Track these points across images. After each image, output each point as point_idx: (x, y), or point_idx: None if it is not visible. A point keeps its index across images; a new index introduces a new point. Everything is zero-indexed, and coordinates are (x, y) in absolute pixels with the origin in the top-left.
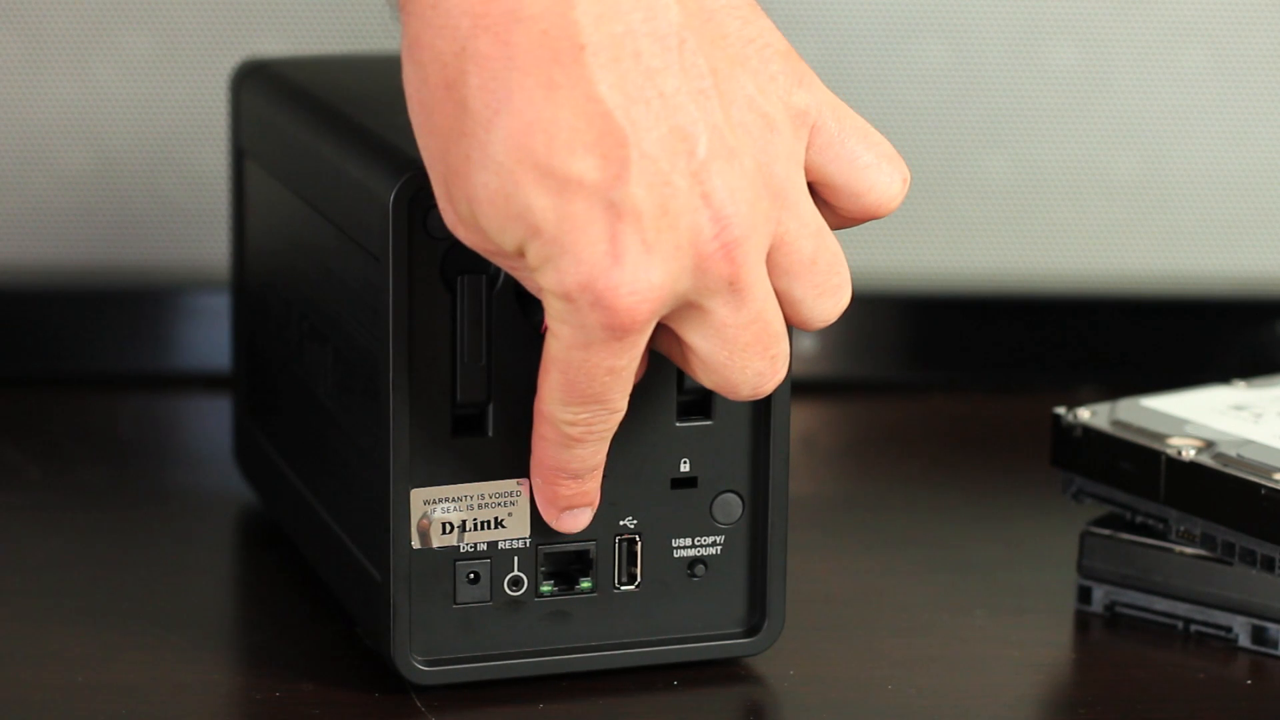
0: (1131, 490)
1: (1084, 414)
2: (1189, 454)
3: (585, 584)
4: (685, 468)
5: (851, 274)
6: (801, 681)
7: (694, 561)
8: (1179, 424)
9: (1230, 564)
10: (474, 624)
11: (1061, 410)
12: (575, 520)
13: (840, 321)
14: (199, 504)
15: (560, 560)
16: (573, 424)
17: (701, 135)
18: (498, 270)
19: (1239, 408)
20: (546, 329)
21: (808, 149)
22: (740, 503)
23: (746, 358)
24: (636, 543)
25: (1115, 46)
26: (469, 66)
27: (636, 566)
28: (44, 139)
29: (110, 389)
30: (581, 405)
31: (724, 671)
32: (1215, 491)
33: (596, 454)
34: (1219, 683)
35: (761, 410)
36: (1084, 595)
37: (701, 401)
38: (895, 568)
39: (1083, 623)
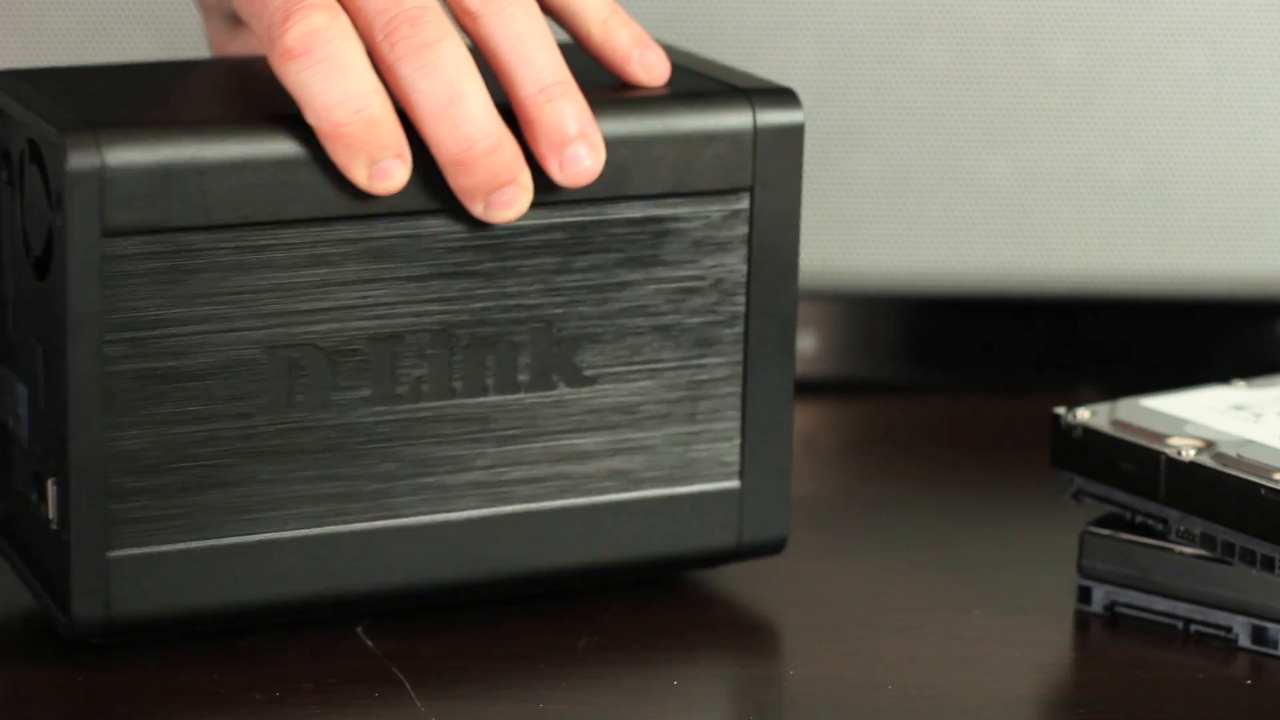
0: (1131, 490)
1: (1084, 414)
2: (1189, 454)
3: None
4: None
5: (852, 274)
6: (801, 682)
7: None
8: (1179, 424)
9: (1230, 564)
10: None
11: (1061, 410)
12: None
13: (840, 321)
14: None
15: None
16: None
17: None
18: None
19: (1239, 408)
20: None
21: None
22: None
23: None
24: None
25: (1115, 46)
26: None
27: None
28: None
29: None
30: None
31: (724, 671)
32: (1215, 491)
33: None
34: (1219, 683)
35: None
36: (1084, 595)
37: None
38: (895, 567)
39: (1083, 623)
